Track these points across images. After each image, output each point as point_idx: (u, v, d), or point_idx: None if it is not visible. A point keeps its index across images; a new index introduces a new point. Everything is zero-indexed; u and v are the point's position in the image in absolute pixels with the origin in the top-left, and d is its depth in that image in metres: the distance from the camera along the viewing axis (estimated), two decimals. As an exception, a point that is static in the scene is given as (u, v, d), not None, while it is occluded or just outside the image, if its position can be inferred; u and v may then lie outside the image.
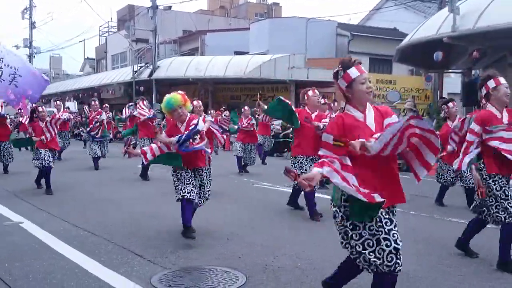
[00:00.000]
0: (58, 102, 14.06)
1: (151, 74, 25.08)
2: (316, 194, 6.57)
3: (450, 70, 18.11)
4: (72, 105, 37.69)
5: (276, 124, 16.51)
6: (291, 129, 12.43)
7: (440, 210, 7.22)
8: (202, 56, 27.40)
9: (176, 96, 5.05)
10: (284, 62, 22.74)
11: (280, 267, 4.33)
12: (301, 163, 6.45)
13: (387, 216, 2.83)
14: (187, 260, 4.53)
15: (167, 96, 5.06)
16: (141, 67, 26.56)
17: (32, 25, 36.50)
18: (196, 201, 5.12)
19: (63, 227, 5.88)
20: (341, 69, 3.00)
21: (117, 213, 6.76)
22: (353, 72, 2.97)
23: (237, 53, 26.86)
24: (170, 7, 27.38)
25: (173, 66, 24.94)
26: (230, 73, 22.81)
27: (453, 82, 22.10)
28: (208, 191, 5.31)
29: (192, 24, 32.17)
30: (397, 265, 2.77)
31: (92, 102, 12.50)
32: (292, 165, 6.46)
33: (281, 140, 16.68)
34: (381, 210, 2.77)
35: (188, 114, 5.19)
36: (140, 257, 4.60)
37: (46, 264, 4.40)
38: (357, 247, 2.85)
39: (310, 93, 6.77)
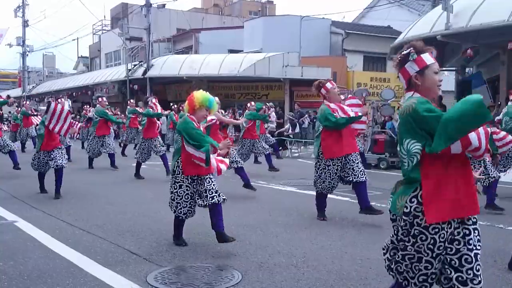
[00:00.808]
0: (62, 99, 14.22)
1: (145, 73, 25.02)
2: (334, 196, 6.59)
3: (444, 68, 18.17)
4: (66, 104, 37.53)
5: (270, 123, 16.44)
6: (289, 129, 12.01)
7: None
8: (196, 54, 27.36)
9: (216, 104, 5.14)
10: (278, 60, 22.75)
11: (275, 264, 4.35)
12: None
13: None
14: (182, 258, 4.53)
15: (207, 94, 4.87)
16: (135, 65, 26.49)
17: (25, 24, 36.30)
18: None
19: (58, 225, 5.86)
20: (414, 52, 2.59)
21: (113, 211, 6.75)
22: (427, 58, 2.61)
23: (231, 51, 26.84)
24: (164, 5, 27.29)
25: (167, 65, 24.89)
26: (224, 71, 22.80)
27: (447, 80, 22.15)
28: (212, 196, 4.68)
29: (186, 23, 32.10)
30: None
31: (100, 99, 12.26)
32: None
33: (276, 138, 16.69)
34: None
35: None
36: (135, 255, 4.60)
37: (41, 263, 4.39)
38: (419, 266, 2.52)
39: (329, 85, 6.14)
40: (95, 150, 11.83)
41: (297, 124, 18.61)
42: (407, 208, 2.47)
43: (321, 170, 6.06)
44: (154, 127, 10.43)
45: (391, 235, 2.69)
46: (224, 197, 4.72)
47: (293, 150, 17.23)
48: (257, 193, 8.18)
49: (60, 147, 7.93)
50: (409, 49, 2.61)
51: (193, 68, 23.66)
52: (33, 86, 39.28)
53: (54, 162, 7.70)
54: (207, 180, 4.72)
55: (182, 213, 4.82)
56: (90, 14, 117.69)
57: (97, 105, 12.24)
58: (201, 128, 4.87)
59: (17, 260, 4.46)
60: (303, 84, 22.79)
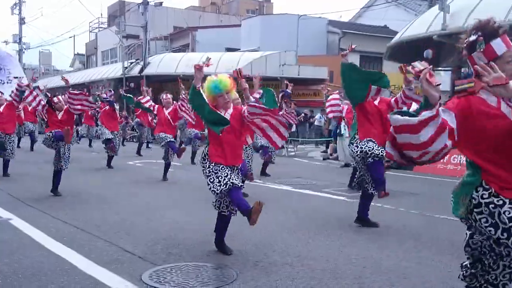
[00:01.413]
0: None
1: (141, 71, 24.97)
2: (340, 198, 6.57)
3: (440, 68, 18.21)
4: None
5: None
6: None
7: (430, 207, 7.28)
8: (193, 52, 27.31)
9: (225, 79, 4.39)
10: (275, 59, 22.76)
11: (270, 263, 4.35)
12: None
13: None
14: (177, 257, 4.53)
15: (213, 78, 4.38)
16: (131, 63, 26.43)
17: (22, 21, 36.17)
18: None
19: (53, 224, 5.85)
20: (481, 39, 2.24)
21: (108, 210, 6.74)
22: (499, 45, 2.24)
23: (228, 49, 26.82)
24: (161, 3, 27.23)
25: (164, 63, 24.85)
26: (221, 70, 22.64)
27: (443, 80, 22.19)
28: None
29: (183, 21, 32.04)
30: None
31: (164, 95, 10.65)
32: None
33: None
34: None
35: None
36: (130, 254, 4.59)
37: (36, 261, 4.38)
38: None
39: None
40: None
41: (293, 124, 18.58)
42: (475, 199, 2.28)
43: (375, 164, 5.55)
44: (167, 123, 9.77)
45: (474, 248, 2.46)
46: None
47: (289, 149, 17.24)
48: (253, 192, 8.17)
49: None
50: (476, 35, 2.24)
51: (190, 66, 23.49)
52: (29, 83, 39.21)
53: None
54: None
55: (230, 178, 4.38)
56: (87, 11, 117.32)
57: None
58: (226, 115, 4.37)
59: (12, 258, 4.45)
60: (300, 83, 22.79)
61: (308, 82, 23.54)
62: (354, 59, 26.59)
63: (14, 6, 36.06)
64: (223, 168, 4.34)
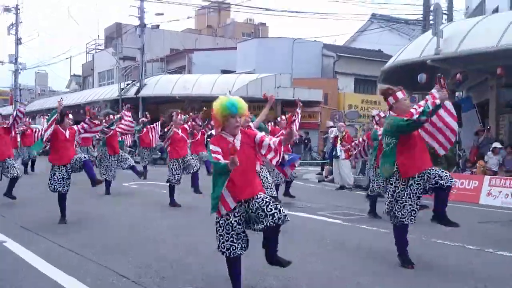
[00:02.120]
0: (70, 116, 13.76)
1: (138, 92, 25.09)
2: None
3: (434, 92, 18.41)
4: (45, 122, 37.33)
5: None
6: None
7: (430, 231, 7.29)
8: (189, 74, 27.50)
9: (242, 101, 3.98)
10: (270, 81, 22.95)
11: (266, 287, 4.33)
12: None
13: None
14: (172, 281, 4.50)
15: (228, 97, 4.00)
16: (128, 84, 26.57)
17: (18, 41, 36.34)
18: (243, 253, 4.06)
19: (48, 246, 5.81)
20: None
21: (103, 233, 6.70)
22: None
23: (224, 71, 27.04)
24: (158, 25, 27.52)
25: (160, 84, 25.00)
26: (217, 91, 22.90)
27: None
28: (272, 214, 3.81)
29: (179, 43, 32.35)
30: None
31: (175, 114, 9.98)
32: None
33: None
34: None
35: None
36: (125, 278, 4.56)
37: (29, 284, 4.34)
38: None
39: (400, 95, 5.30)
40: (112, 171, 10.69)
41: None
42: None
43: (399, 192, 5.04)
44: (182, 145, 9.33)
45: None
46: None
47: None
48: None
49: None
50: None
51: (186, 88, 23.78)
52: (25, 103, 39.22)
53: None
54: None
55: (231, 248, 3.97)
56: (84, 33, 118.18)
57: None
58: (236, 143, 3.91)
59: (4, 281, 4.41)
60: (295, 105, 22.91)
61: (303, 105, 23.69)
62: (349, 82, 26.91)
63: (11, 27, 36.27)
64: (225, 221, 3.91)
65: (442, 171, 5.04)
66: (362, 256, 5.59)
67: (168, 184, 9.20)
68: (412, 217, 5.04)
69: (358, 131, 16.03)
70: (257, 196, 3.88)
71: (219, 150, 3.84)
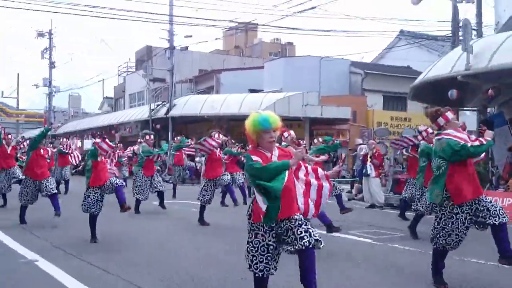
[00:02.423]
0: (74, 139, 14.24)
1: (167, 112, 25.45)
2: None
3: (466, 108, 18.07)
4: (90, 143, 38.17)
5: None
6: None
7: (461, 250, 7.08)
8: (217, 94, 27.78)
9: (274, 115, 3.88)
10: (298, 99, 22.95)
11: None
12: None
13: None
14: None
15: (259, 113, 3.86)
16: (157, 105, 26.99)
17: (52, 65, 37.42)
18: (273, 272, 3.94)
19: (78, 264, 5.88)
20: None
21: (133, 250, 6.75)
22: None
23: (251, 91, 27.21)
24: (187, 47, 27.98)
25: (189, 104, 25.31)
26: (244, 111, 23.04)
27: (469, 120, 22.01)
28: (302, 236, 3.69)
29: (208, 64, 32.77)
30: None
31: (147, 137, 10.63)
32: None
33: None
34: None
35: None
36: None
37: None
38: None
39: (449, 115, 5.09)
40: (144, 191, 10.75)
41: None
42: None
43: (446, 219, 4.84)
44: (218, 165, 9.39)
45: None
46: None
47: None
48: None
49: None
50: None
51: (214, 108, 24.00)
52: (58, 126, 40.18)
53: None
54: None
55: (259, 269, 3.82)
56: (116, 56, 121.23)
57: (143, 144, 11.00)
58: (273, 159, 3.82)
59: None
60: (323, 123, 22.87)
61: (331, 122, 23.59)
62: (378, 99, 26.68)
63: (45, 51, 37.40)
64: (258, 237, 3.79)
65: (492, 204, 4.82)
66: (394, 276, 5.47)
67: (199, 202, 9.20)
68: (457, 246, 4.88)
69: (388, 148, 15.82)
70: (292, 216, 3.76)
71: (260, 159, 3.74)
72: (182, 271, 5.54)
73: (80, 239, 7.48)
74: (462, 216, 4.78)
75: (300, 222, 3.72)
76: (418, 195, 8.36)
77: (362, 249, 7.08)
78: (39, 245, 7.06)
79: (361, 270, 5.73)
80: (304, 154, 3.90)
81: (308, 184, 4.22)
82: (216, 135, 9.40)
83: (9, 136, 11.82)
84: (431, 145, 7.87)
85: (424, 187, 7.62)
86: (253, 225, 3.83)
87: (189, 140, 15.12)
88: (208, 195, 9.06)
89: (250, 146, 4.02)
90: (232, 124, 24.47)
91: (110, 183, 7.33)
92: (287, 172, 3.71)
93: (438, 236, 4.87)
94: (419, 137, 9.00)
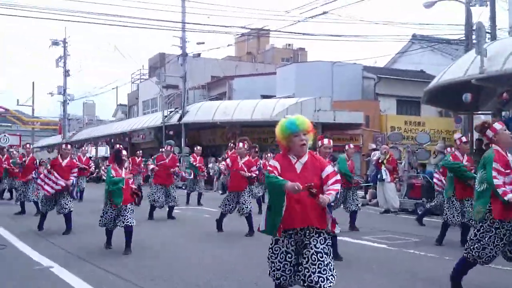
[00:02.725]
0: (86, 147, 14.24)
1: (180, 119, 25.56)
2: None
3: (480, 112, 17.89)
4: (104, 150, 38.47)
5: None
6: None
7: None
8: (229, 100, 27.85)
9: (303, 118, 3.74)
10: (310, 104, 22.90)
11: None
12: None
13: None
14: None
15: (287, 118, 3.77)
16: (170, 112, 27.13)
17: (66, 73, 37.82)
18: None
19: (93, 271, 5.91)
20: None
21: (146, 256, 6.76)
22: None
23: (264, 96, 27.21)
24: (199, 54, 28.13)
25: (202, 111, 25.39)
26: (257, 116, 23.06)
27: (483, 124, 21.82)
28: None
29: (220, 70, 32.89)
30: None
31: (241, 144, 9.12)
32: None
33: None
34: None
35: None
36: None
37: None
38: None
39: (497, 126, 4.89)
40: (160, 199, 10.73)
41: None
42: None
43: (483, 233, 4.66)
44: (242, 177, 8.81)
45: None
46: None
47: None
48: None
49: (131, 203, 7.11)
50: None
51: (227, 114, 24.04)
52: (73, 133, 40.58)
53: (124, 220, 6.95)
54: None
55: (275, 276, 3.71)
56: (129, 63, 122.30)
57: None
58: (298, 166, 3.67)
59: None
60: (336, 128, 22.78)
61: (344, 127, 23.50)
62: (391, 104, 26.52)
63: (59, 59, 37.81)
64: (278, 243, 3.66)
65: None
66: (409, 281, 5.41)
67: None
68: (489, 261, 4.69)
69: (402, 153, 15.71)
70: (315, 245, 3.53)
71: (277, 165, 3.62)
72: (195, 278, 5.54)
73: (94, 246, 7.53)
74: (501, 231, 4.58)
75: (321, 256, 3.50)
76: (446, 205, 8.11)
77: (377, 255, 7.02)
78: (54, 252, 7.11)
79: (375, 276, 5.67)
80: (297, 188, 3.38)
81: None
82: (241, 145, 8.88)
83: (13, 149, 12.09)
84: (463, 155, 7.76)
85: (455, 199, 7.59)
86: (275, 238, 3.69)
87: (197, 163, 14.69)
88: (230, 206, 8.79)
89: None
90: (245, 130, 24.51)
91: (123, 222, 6.98)
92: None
93: (472, 247, 4.69)
94: (448, 149, 8.95)
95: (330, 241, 3.66)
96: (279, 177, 3.50)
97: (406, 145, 16.12)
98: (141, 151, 19.76)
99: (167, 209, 11.02)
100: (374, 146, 17.61)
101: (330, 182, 3.61)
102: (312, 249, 3.53)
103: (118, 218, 7.05)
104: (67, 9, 30.40)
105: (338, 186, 3.63)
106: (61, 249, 7.36)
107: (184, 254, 7.05)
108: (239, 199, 8.74)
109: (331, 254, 3.63)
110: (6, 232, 8.86)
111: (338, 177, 3.71)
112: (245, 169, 8.76)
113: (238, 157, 8.89)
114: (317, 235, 3.58)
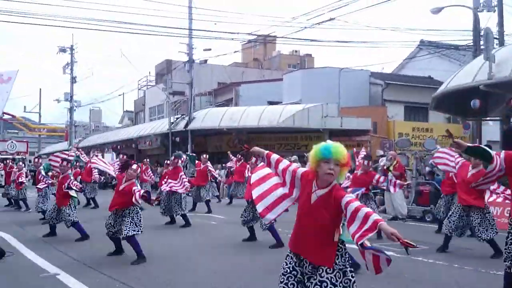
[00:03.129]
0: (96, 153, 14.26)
1: (187, 125, 25.59)
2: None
3: (488, 118, 17.79)
4: (110, 156, 38.57)
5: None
6: None
7: (485, 263, 6.89)
8: (236, 106, 27.87)
9: (341, 146, 3.36)
10: (317, 111, 22.86)
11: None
12: None
13: None
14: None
15: (326, 142, 3.42)
16: (177, 118, 27.18)
17: (73, 80, 38.00)
18: None
19: (99, 278, 5.88)
20: None
21: (153, 264, 6.73)
22: None
23: (270, 103, 27.21)
24: (206, 60, 28.20)
25: (208, 117, 25.42)
26: (264, 123, 23.04)
27: (491, 130, 21.66)
28: None
29: (226, 77, 32.97)
30: None
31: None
32: None
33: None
34: None
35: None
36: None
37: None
38: None
39: None
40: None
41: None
42: None
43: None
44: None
45: None
46: None
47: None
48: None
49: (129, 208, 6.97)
50: None
51: (233, 120, 24.04)
52: (79, 140, 40.73)
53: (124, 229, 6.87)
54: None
55: None
56: (136, 70, 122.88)
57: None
58: (313, 197, 3.33)
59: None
60: (343, 135, 22.71)
61: (352, 134, 23.42)
62: (399, 110, 26.42)
63: (66, 66, 38.02)
64: (286, 262, 3.38)
65: None
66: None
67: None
68: None
69: (410, 159, 15.62)
70: (320, 274, 3.19)
71: (300, 170, 3.46)
72: (203, 286, 5.49)
73: (101, 253, 7.50)
74: None
75: (324, 285, 3.17)
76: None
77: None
78: (60, 259, 7.10)
79: (384, 284, 5.60)
80: None
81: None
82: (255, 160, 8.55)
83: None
84: (473, 167, 7.56)
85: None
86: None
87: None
88: (247, 217, 8.53)
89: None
90: (251, 137, 24.50)
91: (126, 235, 6.89)
92: None
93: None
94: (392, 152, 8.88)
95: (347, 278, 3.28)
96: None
97: (414, 152, 16.03)
98: (148, 159, 19.72)
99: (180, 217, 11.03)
100: (381, 152, 17.51)
101: (355, 203, 3.18)
102: (316, 278, 3.20)
103: (119, 227, 6.99)
104: (74, 16, 30.64)
105: (362, 211, 3.15)
106: (68, 256, 7.35)
107: (191, 262, 7.01)
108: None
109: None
110: (13, 239, 8.86)
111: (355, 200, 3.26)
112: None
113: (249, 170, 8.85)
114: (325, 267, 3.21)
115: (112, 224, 7.13)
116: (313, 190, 3.32)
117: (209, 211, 13.60)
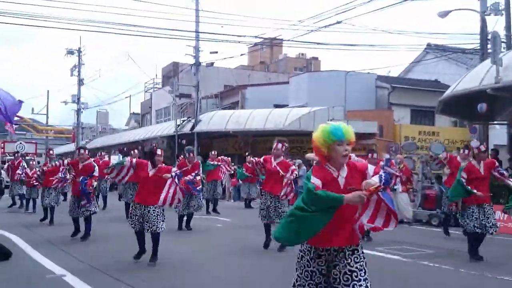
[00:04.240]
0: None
1: (193, 128, 25.65)
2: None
3: (495, 122, 17.69)
4: (117, 158, 38.62)
5: None
6: None
7: (492, 268, 6.86)
8: (242, 109, 27.89)
9: (347, 125, 3.38)
10: (323, 114, 22.81)
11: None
12: None
13: None
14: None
15: (329, 124, 3.41)
16: (183, 121, 27.24)
17: (80, 82, 38.18)
18: None
19: (106, 280, 5.90)
20: None
21: (160, 267, 6.74)
22: None
23: (276, 106, 27.21)
24: (212, 63, 28.24)
25: (214, 120, 25.45)
26: (269, 126, 23.03)
27: (499, 134, 21.55)
28: None
29: (233, 79, 33.00)
30: None
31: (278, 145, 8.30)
32: None
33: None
34: None
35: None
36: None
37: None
38: None
39: None
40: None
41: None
42: None
43: None
44: (275, 180, 8.16)
45: None
46: None
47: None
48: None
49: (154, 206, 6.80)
50: None
51: (239, 123, 24.06)
52: (86, 142, 40.89)
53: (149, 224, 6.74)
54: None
55: None
56: (143, 73, 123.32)
57: None
58: (340, 180, 3.27)
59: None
60: (349, 138, 22.61)
61: (358, 137, 23.30)
62: (405, 113, 26.34)
63: (74, 68, 38.22)
64: (304, 260, 3.28)
65: None
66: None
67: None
68: None
69: (416, 163, 15.56)
70: (349, 263, 3.18)
71: (320, 183, 3.16)
72: None
73: (108, 255, 7.54)
74: None
75: (355, 274, 3.16)
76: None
77: (391, 267, 6.92)
78: (67, 260, 7.12)
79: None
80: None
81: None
82: (280, 145, 8.09)
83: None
84: (479, 163, 7.40)
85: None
86: (302, 245, 3.31)
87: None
88: (264, 210, 8.15)
89: (315, 162, 3.47)
90: (257, 140, 24.51)
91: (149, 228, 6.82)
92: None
93: None
94: (462, 152, 9.07)
95: (364, 257, 3.30)
96: (329, 192, 3.08)
97: (420, 155, 15.97)
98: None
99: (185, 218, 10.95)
100: (388, 156, 17.46)
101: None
102: (345, 267, 3.19)
103: (145, 222, 6.79)
104: (82, 18, 30.83)
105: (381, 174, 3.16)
106: (74, 258, 7.37)
107: (197, 265, 7.01)
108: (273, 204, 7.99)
109: (366, 270, 3.25)
110: (20, 240, 8.90)
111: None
112: (279, 168, 7.97)
113: (272, 158, 8.13)
114: (351, 252, 3.24)
115: (139, 219, 6.78)
116: (335, 175, 3.26)
117: (216, 212, 13.69)
